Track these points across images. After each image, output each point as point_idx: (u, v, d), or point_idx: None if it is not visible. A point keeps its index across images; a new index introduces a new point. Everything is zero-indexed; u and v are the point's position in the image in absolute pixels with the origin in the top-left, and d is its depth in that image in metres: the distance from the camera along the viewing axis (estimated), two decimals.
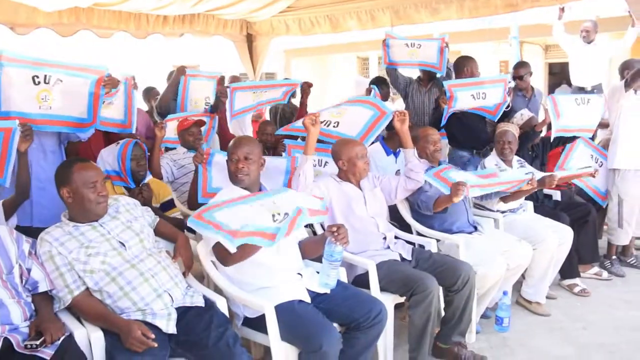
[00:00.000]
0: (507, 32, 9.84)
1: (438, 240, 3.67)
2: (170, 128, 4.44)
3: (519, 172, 4.08)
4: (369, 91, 5.63)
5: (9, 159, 2.90)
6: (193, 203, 3.65)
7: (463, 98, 4.47)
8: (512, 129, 4.30)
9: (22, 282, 2.43)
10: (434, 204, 3.63)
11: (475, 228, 3.90)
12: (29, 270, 2.45)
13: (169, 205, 3.70)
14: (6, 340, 2.23)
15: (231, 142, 3.00)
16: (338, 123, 3.95)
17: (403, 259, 3.34)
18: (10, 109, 3.06)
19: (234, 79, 7.45)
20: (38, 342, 2.23)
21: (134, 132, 3.97)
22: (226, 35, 7.28)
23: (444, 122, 4.51)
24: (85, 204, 2.56)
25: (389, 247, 3.39)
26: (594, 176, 4.43)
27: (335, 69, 7.67)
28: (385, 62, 5.28)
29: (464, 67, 4.78)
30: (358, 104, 3.95)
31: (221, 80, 5.35)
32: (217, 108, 4.91)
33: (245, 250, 2.53)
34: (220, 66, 10.70)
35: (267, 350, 2.92)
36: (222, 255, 2.63)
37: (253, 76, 7.59)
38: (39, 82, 3.05)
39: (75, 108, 3.25)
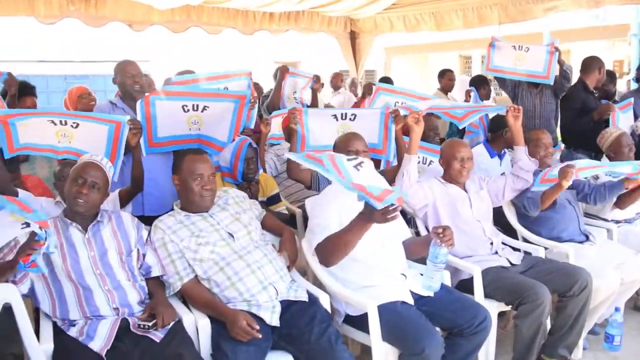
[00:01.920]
0: (626, 29, 9.23)
1: (546, 249, 3.50)
2: (274, 124, 4.53)
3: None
4: (468, 93, 5.50)
5: (119, 152, 3.07)
6: (293, 170, 3.50)
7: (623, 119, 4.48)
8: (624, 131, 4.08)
9: (138, 266, 2.56)
10: (541, 198, 3.48)
11: (587, 237, 3.68)
12: (144, 256, 2.57)
13: (275, 198, 3.78)
14: (124, 320, 2.36)
15: (342, 138, 3.04)
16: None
17: (512, 265, 3.22)
18: (165, 135, 3.31)
19: (336, 76, 7.52)
20: (150, 324, 2.34)
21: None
22: (330, 32, 7.36)
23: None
24: (189, 195, 2.66)
25: (496, 253, 3.28)
26: None
27: (436, 68, 7.53)
28: (486, 68, 5.13)
29: (595, 67, 4.78)
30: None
31: (317, 79, 5.39)
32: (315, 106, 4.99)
33: (345, 248, 2.55)
34: (320, 62, 10.83)
35: (364, 349, 2.92)
36: (325, 255, 2.65)
37: (355, 73, 7.62)
38: (188, 110, 3.28)
39: (220, 131, 3.42)
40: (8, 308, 2.26)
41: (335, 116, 3.60)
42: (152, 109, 3.16)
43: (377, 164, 4.62)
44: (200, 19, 6.26)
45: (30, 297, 2.42)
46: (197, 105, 3.27)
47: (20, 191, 2.97)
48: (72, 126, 3.01)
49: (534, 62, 4.86)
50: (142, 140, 3.18)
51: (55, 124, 2.97)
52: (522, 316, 2.93)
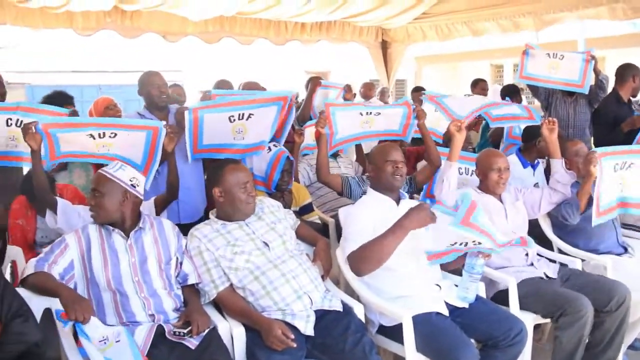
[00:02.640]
0: None
1: (583, 261, 3.43)
2: (307, 134, 4.54)
3: None
4: None
5: (155, 157, 3.14)
6: (322, 172, 3.50)
7: None
8: None
9: (175, 274, 2.58)
10: (578, 197, 3.42)
11: (625, 250, 3.60)
12: (181, 264, 2.59)
13: (308, 208, 3.78)
14: (159, 327, 2.39)
15: (379, 150, 3.02)
16: None
17: (548, 278, 3.17)
18: (209, 142, 3.40)
19: (367, 86, 7.51)
20: (185, 331, 2.36)
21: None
22: (361, 42, 7.38)
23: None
24: (236, 204, 2.67)
25: (532, 264, 3.23)
26: None
27: (467, 77, 7.49)
28: (519, 76, 5.06)
29: (629, 76, 4.60)
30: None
31: (349, 89, 5.42)
32: None
33: (380, 254, 2.56)
34: (351, 72, 10.85)
35: (395, 359, 2.90)
36: (357, 263, 2.65)
37: (386, 83, 7.62)
38: (234, 120, 3.37)
39: (262, 134, 3.49)
40: (48, 312, 2.31)
41: (361, 113, 3.70)
42: (200, 121, 3.25)
43: (418, 155, 4.63)
44: (232, 30, 6.34)
45: None
46: (243, 114, 3.35)
47: (60, 199, 3.04)
48: (110, 137, 3.07)
49: (568, 70, 4.77)
50: (188, 147, 3.30)
51: (94, 138, 3.05)
52: (563, 328, 2.88)
